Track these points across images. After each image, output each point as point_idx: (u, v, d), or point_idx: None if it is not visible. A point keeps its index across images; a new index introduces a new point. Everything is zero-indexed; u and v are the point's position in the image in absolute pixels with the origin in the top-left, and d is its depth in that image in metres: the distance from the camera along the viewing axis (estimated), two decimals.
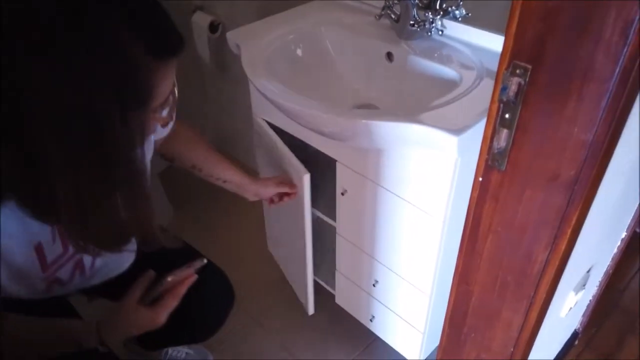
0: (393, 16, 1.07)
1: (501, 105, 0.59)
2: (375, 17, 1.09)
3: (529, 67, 0.55)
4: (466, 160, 0.87)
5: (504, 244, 0.67)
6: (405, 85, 1.05)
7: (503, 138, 0.61)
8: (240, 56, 1.08)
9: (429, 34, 1.03)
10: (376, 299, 1.21)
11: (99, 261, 0.83)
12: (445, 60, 0.99)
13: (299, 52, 1.13)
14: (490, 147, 0.63)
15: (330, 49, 1.14)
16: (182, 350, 1.27)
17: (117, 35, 0.55)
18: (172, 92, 0.67)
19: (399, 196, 0.98)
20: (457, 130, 0.79)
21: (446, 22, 1.04)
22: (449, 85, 0.94)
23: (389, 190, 0.99)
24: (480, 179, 0.67)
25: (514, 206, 0.63)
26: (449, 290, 0.82)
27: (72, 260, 0.78)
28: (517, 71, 0.56)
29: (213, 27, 1.72)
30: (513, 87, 0.57)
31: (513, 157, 0.61)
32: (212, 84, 1.96)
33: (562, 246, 0.62)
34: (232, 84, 1.84)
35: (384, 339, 1.28)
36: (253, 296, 1.50)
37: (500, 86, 0.58)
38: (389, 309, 1.18)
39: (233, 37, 1.12)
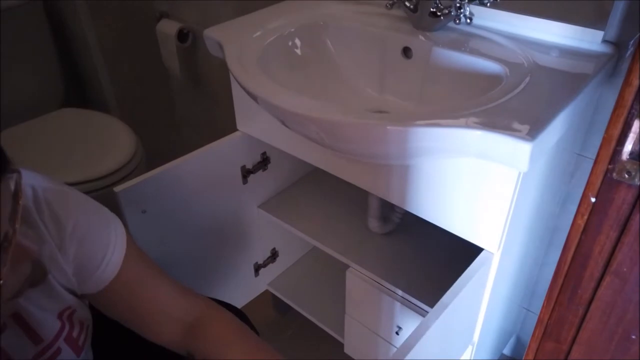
0: (408, 4, 0.88)
1: None
2: (387, 5, 0.90)
3: None
4: (527, 175, 0.68)
5: (632, 289, 0.47)
6: (430, 85, 0.86)
7: None
8: (222, 58, 0.87)
9: (457, 22, 0.85)
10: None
11: None
12: (480, 52, 0.80)
13: (294, 51, 0.93)
14: (618, 151, 0.43)
15: (331, 47, 0.95)
16: None
17: None
18: (3, 245, 0.41)
19: (433, 223, 0.78)
20: (527, 135, 0.59)
21: (473, 8, 0.86)
22: (491, 81, 0.75)
23: (420, 216, 0.79)
24: (593, 199, 0.47)
25: None
26: (529, 345, 0.61)
27: None
28: None
29: (182, 36, 1.51)
30: None
31: None
32: (183, 101, 1.74)
33: None
34: (208, 100, 1.62)
35: None
36: None
37: None
38: None
39: (213, 34, 0.91)
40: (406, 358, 0.60)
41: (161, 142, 1.73)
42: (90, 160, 1.32)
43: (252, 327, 0.82)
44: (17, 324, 0.55)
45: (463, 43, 0.84)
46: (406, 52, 0.89)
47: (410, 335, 0.63)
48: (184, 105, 1.74)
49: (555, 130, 0.65)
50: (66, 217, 0.57)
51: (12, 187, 0.41)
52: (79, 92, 1.79)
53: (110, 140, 1.40)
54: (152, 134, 1.67)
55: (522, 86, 0.70)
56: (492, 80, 0.75)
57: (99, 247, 0.60)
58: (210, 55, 0.95)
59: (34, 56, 1.50)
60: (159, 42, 1.55)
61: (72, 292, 0.61)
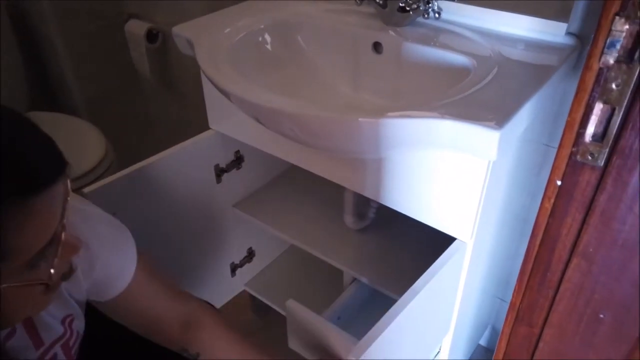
0: (378, 0, 0.89)
1: (605, 70, 0.41)
2: (356, 2, 0.91)
3: None
4: (496, 165, 0.69)
5: (599, 269, 0.49)
6: (402, 79, 0.87)
7: (603, 119, 0.43)
8: (192, 56, 0.86)
9: (426, 16, 0.86)
10: None
11: None
12: (449, 46, 0.82)
13: (265, 48, 0.92)
14: (581, 134, 0.44)
15: (303, 43, 0.95)
16: None
17: None
18: (55, 239, 0.45)
19: (407, 216, 0.78)
20: (495, 124, 0.60)
21: (441, 3, 0.87)
22: (459, 74, 0.77)
23: (394, 209, 0.79)
24: (559, 182, 0.48)
25: (620, 217, 0.45)
26: (502, 330, 0.62)
27: None
28: None
29: (151, 36, 1.49)
30: (626, 41, 0.39)
31: (622, 146, 0.42)
32: (154, 102, 1.71)
33: None
34: (180, 100, 1.60)
35: None
36: None
37: (607, 40, 0.39)
38: None
39: (182, 32, 0.90)
40: (375, 343, 0.60)
41: (134, 145, 1.70)
42: None
43: None
44: (25, 328, 0.56)
45: (432, 37, 0.85)
46: (377, 47, 0.89)
47: (380, 321, 0.63)
48: (156, 106, 1.72)
49: (522, 119, 0.66)
50: (96, 244, 0.61)
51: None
52: (46, 96, 1.75)
53: (79, 143, 1.37)
54: (125, 137, 1.64)
55: (489, 78, 0.72)
56: (461, 73, 0.77)
57: (116, 264, 0.65)
58: (181, 55, 0.94)
59: None
60: (129, 43, 1.52)
61: (76, 301, 0.63)
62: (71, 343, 0.62)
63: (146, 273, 0.69)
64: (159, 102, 1.69)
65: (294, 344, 0.97)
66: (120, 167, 0.90)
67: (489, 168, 0.67)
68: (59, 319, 0.60)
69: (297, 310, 0.88)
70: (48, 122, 1.53)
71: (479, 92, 0.69)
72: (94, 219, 0.63)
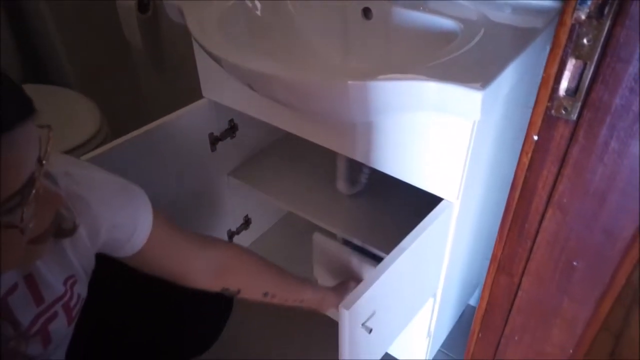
0: None
1: (576, 26, 0.43)
2: None
3: None
4: (481, 126, 0.71)
5: (572, 219, 0.51)
6: (391, 44, 0.88)
7: (575, 74, 0.45)
8: (183, 24, 0.86)
9: None
10: None
11: None
12: (437, 10, 0.83)
13: (256, 15, 0.93)
14: (556, 89, 0.47)
15: (293, 10, 0.95)
16: None
17: None
18: (28, 185, 0.44)
19: (398, 180, 0.81)
20: (478, 85, 0.62)
21: None
22: (447, 37, 0.78)
23: (382, 172, 0.82)
24: (536, 137, 0.50)
25: (591, 167, 0.47)
26: (485, 281, 0.66)
27: None
28: None
29: (142, 6, 1.48)
30: None
31: (593, 99, 0.44)
32: (147, 76, 1.71)
33: None
34: (173, 71, 1.60)
35: None
36: None
37: None
38: None
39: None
40: (363, 297, 0.64)
41: (128, 118, 1.71)
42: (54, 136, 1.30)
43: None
44: (26, 283, 0.58)
45: (421, 2, 0.86)
46: (366, 13, 0.90)
47: (368, 276, 0.66)
48: (148, 78, 1.72)
49: (506, 80, 0.68)
50: (97, 205, 0.61)
51: (41, 138, 0.45)
52: (38, 70, 1.74)
53: (74, 115, 1.38)
54: (118, 110, 1.65)
55: (475, 41, 0.73)
56: (448, 36, 0.78)
57: (125, 225, 0.65)
58: (174, 24, 0.95)
59: None
60: (119, 14, 1.51)
61: (81, 265, 0.64)
62: (72, 304, 0.64)
63: (165, 230, 0.70)
64: (152, 73, 1.69)
65: (318, 272, 1.09)
66: (114, 139, 0.92)
67: (474, 129, 0.69)
68: (61, 279, 0.62)
69: (323, 241, 1.02)
70: (43, 94, 1.53)
71: (465, 54, 0.71)
72: (91, 182, 0.63)
